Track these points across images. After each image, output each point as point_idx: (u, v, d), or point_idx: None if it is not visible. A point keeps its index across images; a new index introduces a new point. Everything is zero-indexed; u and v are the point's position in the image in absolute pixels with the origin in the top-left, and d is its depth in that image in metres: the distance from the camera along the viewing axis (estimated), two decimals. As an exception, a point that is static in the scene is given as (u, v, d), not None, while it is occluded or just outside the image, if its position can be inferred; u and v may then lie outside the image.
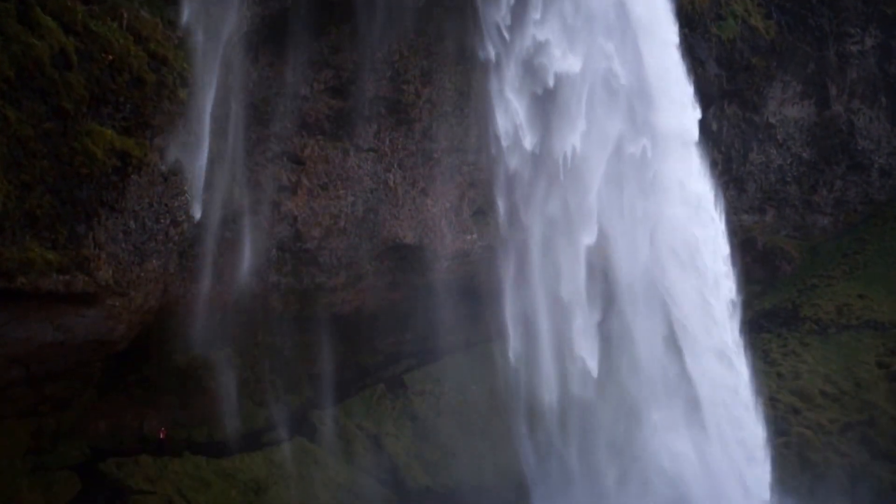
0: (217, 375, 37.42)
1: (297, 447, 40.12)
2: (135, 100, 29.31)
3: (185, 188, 32.55)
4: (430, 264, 43.47)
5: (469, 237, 44.49)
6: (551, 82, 39.18)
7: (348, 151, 39.06)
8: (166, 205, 32.25)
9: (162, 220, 32.37)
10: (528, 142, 39.61)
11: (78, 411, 35.35)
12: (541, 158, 40.21)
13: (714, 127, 52.41)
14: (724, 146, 54.27)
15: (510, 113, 39.41)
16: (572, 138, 39.66)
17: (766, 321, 51.76)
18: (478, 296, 44.27)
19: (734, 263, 42.02)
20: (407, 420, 45.99)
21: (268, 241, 38.13)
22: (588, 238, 40.61)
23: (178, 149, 31.36)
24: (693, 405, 40.71)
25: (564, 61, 39.15)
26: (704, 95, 45.22)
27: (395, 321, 44.85)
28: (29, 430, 33.41)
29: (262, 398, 39.27)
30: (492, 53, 38.63)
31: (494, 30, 38.26)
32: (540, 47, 38.93)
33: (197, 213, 33.16)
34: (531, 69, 39.28)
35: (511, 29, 38.31)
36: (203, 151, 32.10)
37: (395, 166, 40.90)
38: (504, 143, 39.74)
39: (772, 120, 56.73)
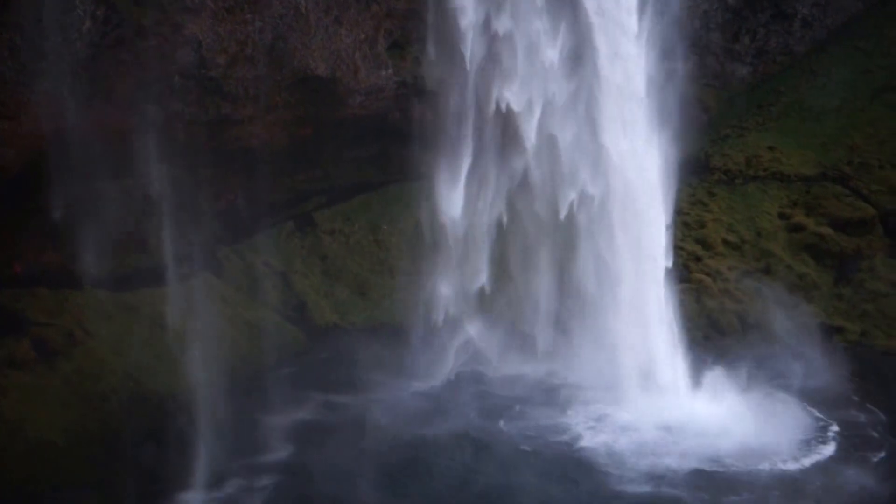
0: (117, 207, 35.93)
1: (202, 283, 39.52)
2: None
3: (77, 3, 30.05)
4: (342, 99, 41.86)
5: (384, 72, 42.83)
6: None
7: (255, -30, 36.42)
8: (56, 21, 29.76)
9: (52, 38, 29.94)
10: None
11: (-34, 241, 33.75)
12: None
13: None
14: (651, -12, 52.80)
15: None
16: None
17: (678, 171, 52.28)
18: (391, 135, 43.19)
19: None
20: (316, 258, 45.75)
21: (169, 66, 35.79)
22: None
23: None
24: None
25: None
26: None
27: (305, 157, 43.58)
28: (-88, 258, 31.90)
29: (165, 232, 38.16)
30: None
31: None
32: None
33: (91, 32, 30.72)
34: None
35: None
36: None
37: (307, -10, 38.43)
38: None
39: (701, -39, 55.45)
